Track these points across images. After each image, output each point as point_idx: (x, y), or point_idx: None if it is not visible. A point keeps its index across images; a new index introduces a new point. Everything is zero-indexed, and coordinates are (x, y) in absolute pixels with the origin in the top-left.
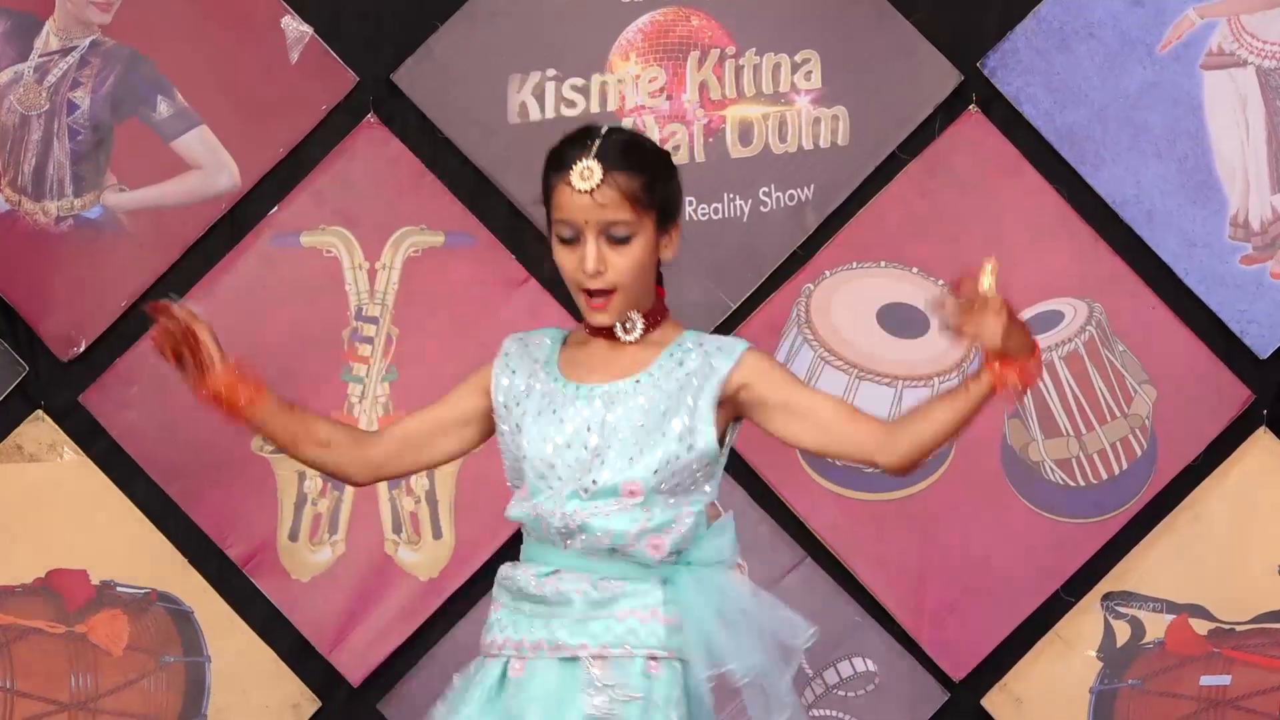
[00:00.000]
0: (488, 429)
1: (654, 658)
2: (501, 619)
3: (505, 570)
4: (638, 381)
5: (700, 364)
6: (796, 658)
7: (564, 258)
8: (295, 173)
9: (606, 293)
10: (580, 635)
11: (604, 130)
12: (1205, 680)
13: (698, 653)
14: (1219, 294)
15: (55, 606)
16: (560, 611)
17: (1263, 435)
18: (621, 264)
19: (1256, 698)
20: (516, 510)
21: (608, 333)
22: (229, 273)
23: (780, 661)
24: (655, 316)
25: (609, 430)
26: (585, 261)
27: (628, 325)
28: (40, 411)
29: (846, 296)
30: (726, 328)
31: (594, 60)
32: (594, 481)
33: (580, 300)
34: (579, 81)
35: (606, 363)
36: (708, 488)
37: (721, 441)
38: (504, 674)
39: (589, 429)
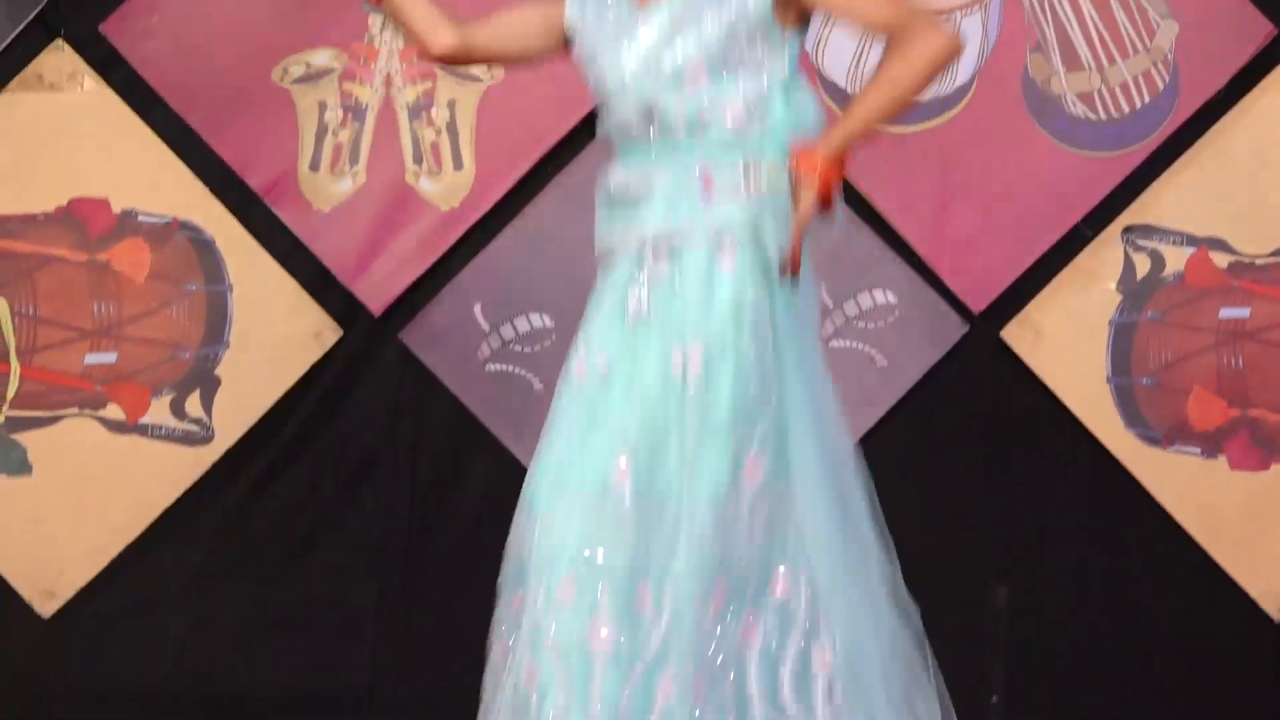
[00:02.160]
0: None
1: (729, 241)
2: (603, 223)
3: (600, 179)
4: None
5: None
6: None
7: None
8: None
9: None
10: (665, 220)
11: None
12: (1224, 313)
13: (769, 229)
14: None
15: (77, 234)
16: (646, 201)
17: None
18: None
19: (1275, 330)
20: (605, 126)
21: None
22: None
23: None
24: None
25: (673, 24)
26: None
27: None
28: (60, 40)
29: None
30: None
31: None
32: (663, 69)
33: None
34: None
35: None
36: (781, 64)
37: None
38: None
39: (656, 35)
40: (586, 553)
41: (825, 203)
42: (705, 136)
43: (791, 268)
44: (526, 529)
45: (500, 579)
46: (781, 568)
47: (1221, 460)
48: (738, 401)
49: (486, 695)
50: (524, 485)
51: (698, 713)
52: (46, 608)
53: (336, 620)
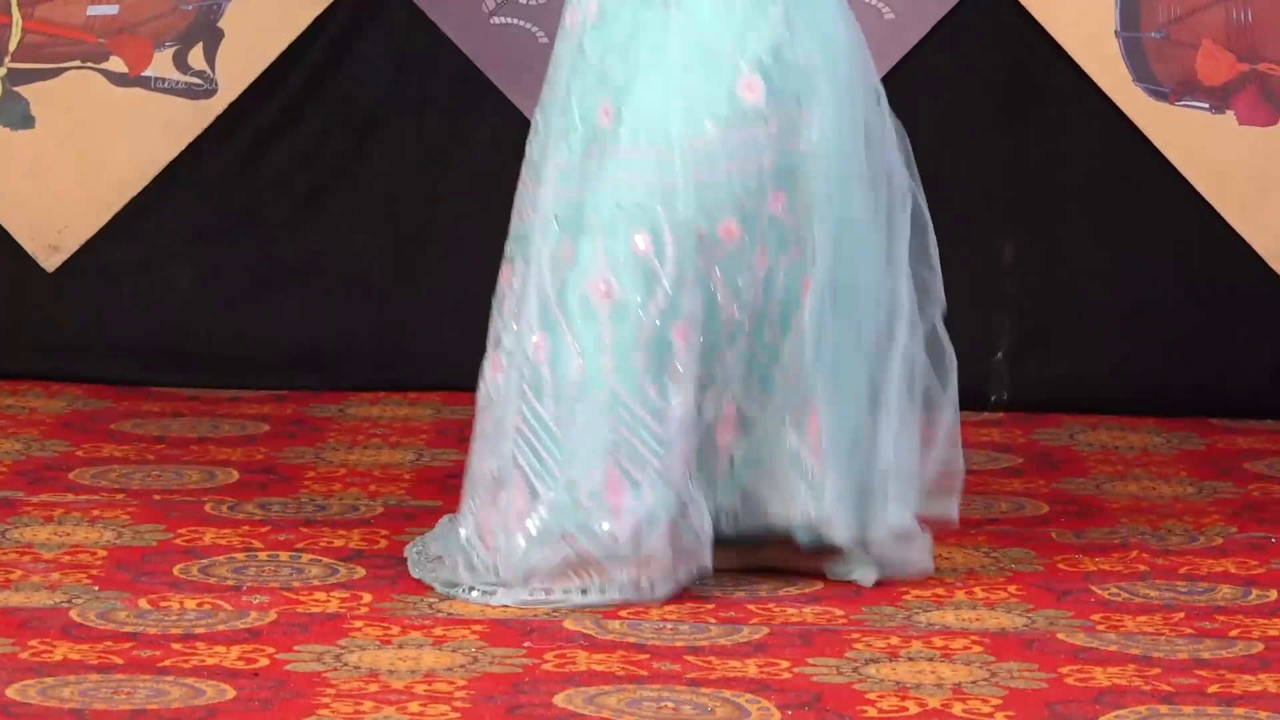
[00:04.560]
0: None
1: None
2: None
3: None
4: None
5: None
6: None
7: None
8: None
9: None
10: None
11: None
12: None
13: None
14: None
15: None
16: None
17: None
18: None
19: None
20: None
21: None
22: None
23: None
24: None
25: None
26: None
27: None
28: None
29: None
30: None
31: None
32: None
33: None
34: None
35: None
36: None
37: None
38: None
39: None
40: (576, 209)
41: None
42: None
43: None
44: (531, 194)
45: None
46: (783, 196)
47: (1229, 115)
48: (722, 16)
49: (489, 371)
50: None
51: (725, 356)
52: (50, 262)
53: (342, 274)
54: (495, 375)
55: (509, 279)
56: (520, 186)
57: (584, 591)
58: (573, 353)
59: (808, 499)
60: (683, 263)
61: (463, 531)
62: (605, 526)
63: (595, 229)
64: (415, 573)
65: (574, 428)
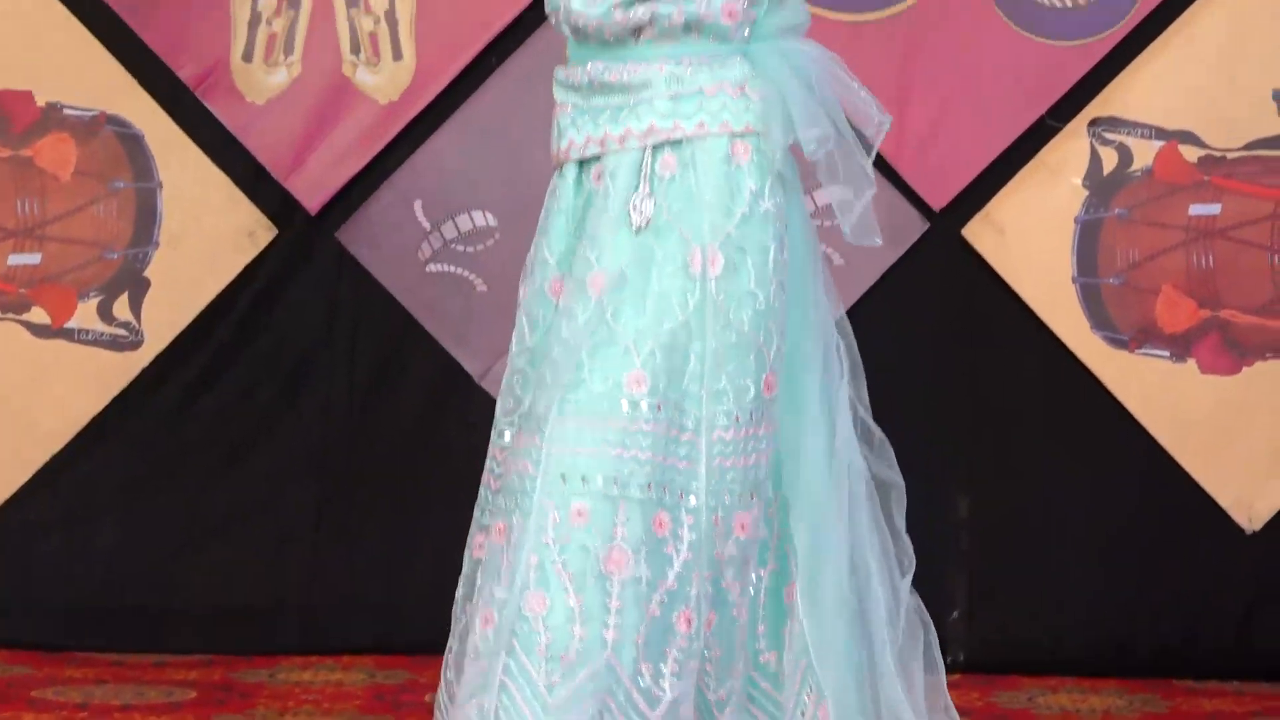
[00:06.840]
0: None
1: (744, 135)
2: (575, 119)
3: (564, 71)
4: None
5: None
6: (874, 139)
7: None
8: None
9: None
10: (670, 116)
11: None
12: (1194, 210)
13: (779, 120)
14: None
15: (0, 129)
16: (643, 95)
17: None
18: None
19: (1247, 228)
20: (581, 16)
21: None
22: None
23: (856, 142)
24: None
25: None
26: None
27: None
28: None
29: None
30: None
31: None
32: None
33: None
34: None
35: None
36: None
37: None
38: (580, 180)
39: None
40: (601, 478)
41: None
42: (702, 32)
43: None
44: (528, 449)
45: (481, 503)
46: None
47: (1191, 364)
48: (760, 309)
49: (468, 620)
50: (529, 403)
51: (709, 651)
52: None
53: (273, 529)
54: (486, 629)
55: (501, 539)
56: (503, 438)
57: None
58: (575, 618)
59: None
60: (697, 549)
61: None
62: None
63: (616, 499)
64: None
65: (562, 692)
